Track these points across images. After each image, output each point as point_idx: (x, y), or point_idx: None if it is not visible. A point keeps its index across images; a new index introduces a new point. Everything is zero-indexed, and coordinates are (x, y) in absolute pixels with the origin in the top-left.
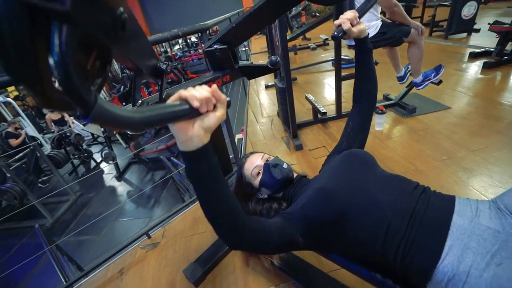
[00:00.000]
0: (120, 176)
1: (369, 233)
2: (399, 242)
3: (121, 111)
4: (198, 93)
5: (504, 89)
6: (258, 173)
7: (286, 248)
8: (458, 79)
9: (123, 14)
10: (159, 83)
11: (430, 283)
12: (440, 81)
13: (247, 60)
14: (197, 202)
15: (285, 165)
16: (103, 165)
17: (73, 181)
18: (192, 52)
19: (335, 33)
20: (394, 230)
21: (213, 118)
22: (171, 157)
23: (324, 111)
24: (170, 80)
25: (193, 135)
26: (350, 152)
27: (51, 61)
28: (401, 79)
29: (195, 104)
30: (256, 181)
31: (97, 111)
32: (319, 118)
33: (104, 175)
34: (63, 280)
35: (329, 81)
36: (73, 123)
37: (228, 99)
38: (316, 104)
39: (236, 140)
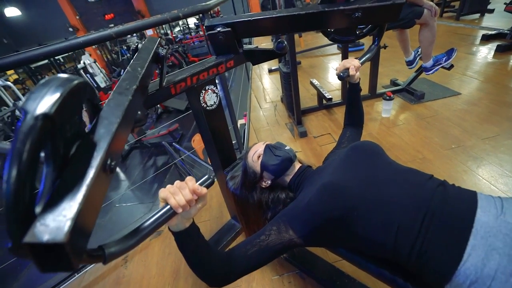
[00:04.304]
0: (122, 161)
1: (379, 231)
2: (414, 241)
3: (125, 244)
4: (181, 199)
5: None
6: (259, 156)
7: (279, 255)
8: (468, 63)
9: (112, 163)
10: (160, 68)
11: (449, 285)
12: (452, 66)
13: (250, 42)
14: None
15: (287, 147)
16: None
17: None
18: (193, 34)
19: (341, 74)
20: (406, 227)
21: (194, 210)
22: (173, 143)
23: (330, 97)
24: (171, 64)
25: (177, 223)
26: (357, 145)
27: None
28: (410, 63)
29: (179, 211)
30: (258, 166)
31: (109, 258)
32: (324, 104)
33: None
34: None
35: (335, 65)
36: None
37: (206, 191)
38: (321, 90)
39: (238, 126)
